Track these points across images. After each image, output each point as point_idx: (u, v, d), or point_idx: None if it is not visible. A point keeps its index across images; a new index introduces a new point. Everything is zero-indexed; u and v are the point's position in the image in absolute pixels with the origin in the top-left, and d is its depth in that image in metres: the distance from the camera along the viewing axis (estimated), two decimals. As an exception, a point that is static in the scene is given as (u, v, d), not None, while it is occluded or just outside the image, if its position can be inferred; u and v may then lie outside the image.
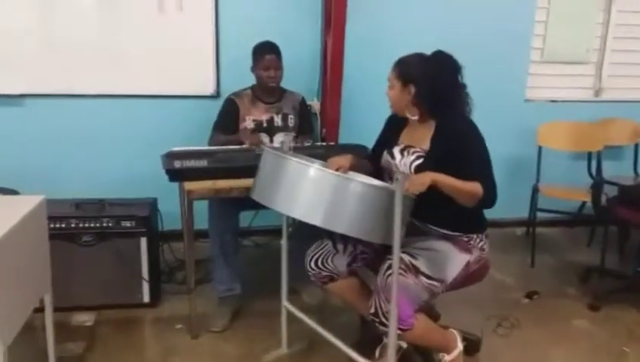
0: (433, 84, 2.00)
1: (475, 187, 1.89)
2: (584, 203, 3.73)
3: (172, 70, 3.33)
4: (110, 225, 2.66)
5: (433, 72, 2.01)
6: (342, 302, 2.39)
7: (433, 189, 1.85)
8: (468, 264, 2.07)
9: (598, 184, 3.19)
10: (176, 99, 3.40)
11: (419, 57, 2.06)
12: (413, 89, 2.02)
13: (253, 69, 2.91)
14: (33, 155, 3.27)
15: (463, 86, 2.05)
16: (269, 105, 2.96)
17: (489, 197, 1.93)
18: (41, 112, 3.26)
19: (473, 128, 2.02)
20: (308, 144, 2.77)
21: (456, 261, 2.04)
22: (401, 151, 2.11)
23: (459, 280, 2.06)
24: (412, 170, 2.03)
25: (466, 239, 2.07)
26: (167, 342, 2.52)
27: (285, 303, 2.34)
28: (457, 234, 2.06)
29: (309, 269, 2.20)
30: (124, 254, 2.67)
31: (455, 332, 2.19)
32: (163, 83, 3.34)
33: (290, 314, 2.34)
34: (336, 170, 1.95)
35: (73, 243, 2.63)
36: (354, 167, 2.09)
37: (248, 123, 2.91)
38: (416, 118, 2.07)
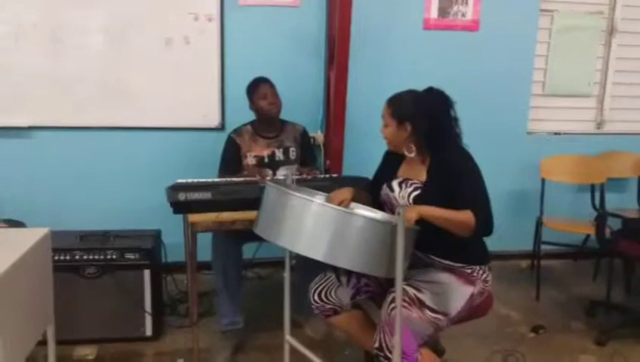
0: (429, 121, 2.03)
1: (466, 216, 1.89)
2: (588, 235, 3.72)
3: (178, 103, 3.38)
4: (114, 257, 2.67)
5: (428, 110, 2.04)
6: (345, 335, 2.37)
7: (425, 222, 1.86)
8: (472, 296, 2.05)
9: (601, 217, 3.18)
10: (181, 132, 3.44)
11: (412, 95, 2.07)
12: (409, 127, 2.04)
13: (251, 104, 2.93)
14: (40, 187, 3.30)
15: (456, 120, 2.09)
16: (269, 140, 2.97)
17: (482, 226, 1.93)
18: (48, 144, 3.31)
19: (467, 158, 2.05)
20: (310, 176, 2.78)
21: (460, 293, 2.03)
22: (400, 184, 2.13)
23: (463, 313, 2.05)
24: (411, 201, 2.04)
25: (469, 271, 2.06)
26: (169, 377, 2.50)
27: (288, 337, 2.32)
28: (460, 265, 2.06)
29: (313, 302, 2.20)
30: (128, 286, 2.67)
31: (460, 367, 2.16)
32: (169, 115, 3.39)
33: (293, 349, 2.31)
34: (339, 203, 1.96)
35: (77, 275, 2.63)
36: (356, 199, 2.11)
37: (250, 159, 2.93)
38: (413, 154, 2.08)
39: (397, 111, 2.05)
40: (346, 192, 2.07)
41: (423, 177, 2.06)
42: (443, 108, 2.06)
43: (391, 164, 2.22)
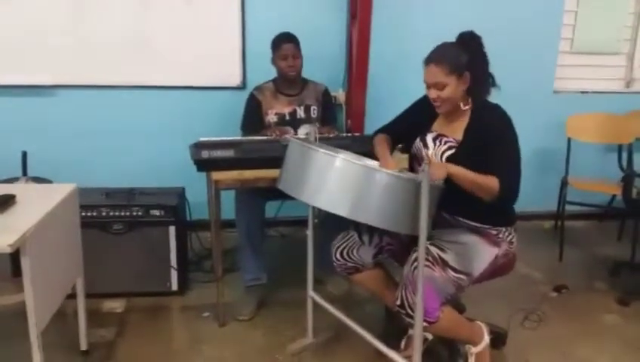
0: (482, 61, 1.99)
1: (492, 182, 1.87)
2: (614, 196, 3.67)
3: (199, 61, 3.37)
4: (140, 213, 2.71)
5: (476, 51, 1.99)
6: (367, 292, 2.39)
7: (452, 182, 1.84)
8: (496, 257, 2.05)
9: (629, 177, 3.12)
10: (203, 91, 3.43)
11: (452, 44, 2.00)
12: (469, 75, 1.96)
13: (273, 60, 2.91)
14: (65, 145, 3.34)
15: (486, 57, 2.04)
16: (291, 98, 2.96)
17: (505, 195, 1.90)
18: (71, 103, 3.33)
19: (507, 123, 1.99)
20: (332, 135, 2.77)
21: (484, 254, 2.03)
22: (434, 140, 2.09)
23: (486, 273, 2.05)
24: (443, 160, 2.01)
25: (494, 232, 2.05)
26: (195, 330, 2.56)
27: (311, 293, 2.35)
28: (486, 227, 2.05)
29: (335, 260, 2.21)
30: (154, 243, 2.72)
31: (482, 324, 2.17)
32: (190, 74, 3.38)
33: (315, 304, 2.35)
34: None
35: (104, 231, 2.68)
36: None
37: (271, 117, 2.92)
38: (469, 106, 2.02)
39: (453, 65, 1.94)
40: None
41: (459, 135, 2.02)
42: (482, 46, 2.01)
43: (426, 114, 2.13)
